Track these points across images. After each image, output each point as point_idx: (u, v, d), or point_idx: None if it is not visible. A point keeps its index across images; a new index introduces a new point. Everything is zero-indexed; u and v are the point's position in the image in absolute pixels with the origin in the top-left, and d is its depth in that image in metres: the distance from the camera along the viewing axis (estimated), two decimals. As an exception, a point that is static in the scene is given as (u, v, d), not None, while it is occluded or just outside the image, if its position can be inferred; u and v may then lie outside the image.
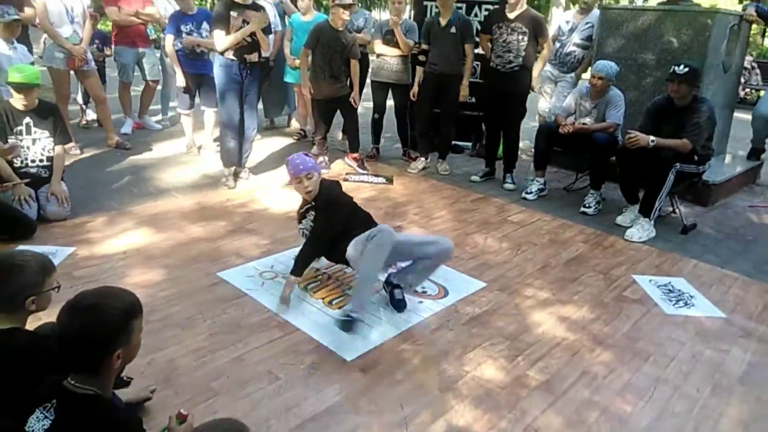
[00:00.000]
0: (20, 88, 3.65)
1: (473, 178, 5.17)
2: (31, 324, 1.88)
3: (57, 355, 1.41)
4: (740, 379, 2.47)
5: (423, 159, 5.45)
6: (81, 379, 1.42)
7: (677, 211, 4.35)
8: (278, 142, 6.14)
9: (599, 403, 2.25)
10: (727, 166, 5.40)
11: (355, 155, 5.32)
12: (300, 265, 2.88)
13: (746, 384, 2.43)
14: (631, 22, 5.22)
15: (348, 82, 5.09)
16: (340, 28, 4.87)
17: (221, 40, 4.36)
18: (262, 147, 5.91)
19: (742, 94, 12.15)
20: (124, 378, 2.07)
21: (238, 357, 2.42)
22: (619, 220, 4.24)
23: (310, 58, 4.99)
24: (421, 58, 5.25)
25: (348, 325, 2.50)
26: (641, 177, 4.17)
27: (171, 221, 3.86)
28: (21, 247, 2.96)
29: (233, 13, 4.36)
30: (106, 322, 1.40)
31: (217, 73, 4.56)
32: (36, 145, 3.79)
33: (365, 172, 5.21)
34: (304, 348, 2.51)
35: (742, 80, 11.57)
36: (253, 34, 4.44)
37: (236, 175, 4.81)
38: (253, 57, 4.53)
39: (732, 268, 3.60)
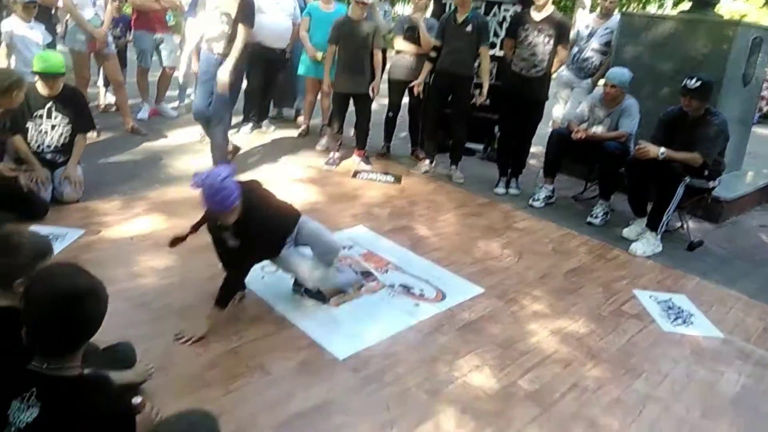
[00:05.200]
0: (45, 76, 3.70)
1: (497, 190, 4.98)
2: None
3: (30, 340, 1.38)
4: (732, 401, 2.46)
5: (428, 161, 5.37)
6: (56, 361, 1.39)
7: (685, 226, 4.30)
8: (284, 134, 6.19)
9: (586, 418, 2.26)
10: (741, 182, 5.30)
11: (361, 152, 5.33)
12: (227, 296, 2.58)
13: (738, 407, 2.43)
14: (652, 29, 5.16)
15: (370, 76, 5.05)
16: (359, 19, 4.88)
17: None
18: (268, 138, 6.01)
19: (765, 109, 11.88)
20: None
21: (233, 349, 2.46)
22: (626, 232, 4.20)
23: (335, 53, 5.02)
24: (432, 54, 5.05)
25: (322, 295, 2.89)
26: (650, 189, 4.13)
27: (180, 209, 3.90)
28: (32, 228, 3.01)
29: None
30: (92, 311, 1.41)
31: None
32: (54, 130, 3.85)
33: (374, 169, 5.22)
34: (298, 344, 2.55)
35: (766, 94, 11.31)
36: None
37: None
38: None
39: (736, 288, 3.56)
